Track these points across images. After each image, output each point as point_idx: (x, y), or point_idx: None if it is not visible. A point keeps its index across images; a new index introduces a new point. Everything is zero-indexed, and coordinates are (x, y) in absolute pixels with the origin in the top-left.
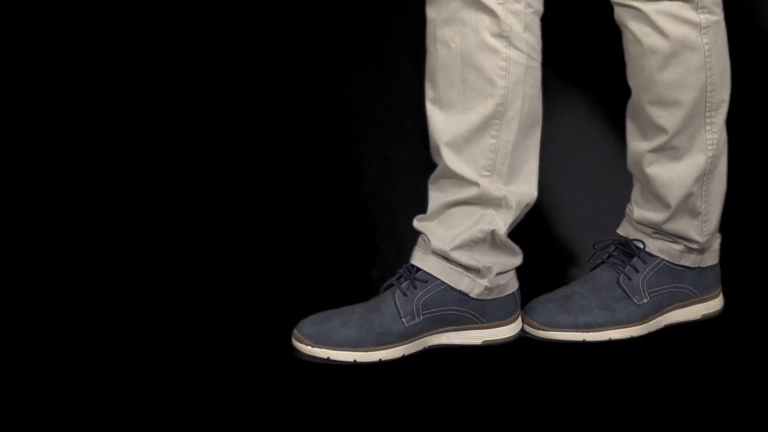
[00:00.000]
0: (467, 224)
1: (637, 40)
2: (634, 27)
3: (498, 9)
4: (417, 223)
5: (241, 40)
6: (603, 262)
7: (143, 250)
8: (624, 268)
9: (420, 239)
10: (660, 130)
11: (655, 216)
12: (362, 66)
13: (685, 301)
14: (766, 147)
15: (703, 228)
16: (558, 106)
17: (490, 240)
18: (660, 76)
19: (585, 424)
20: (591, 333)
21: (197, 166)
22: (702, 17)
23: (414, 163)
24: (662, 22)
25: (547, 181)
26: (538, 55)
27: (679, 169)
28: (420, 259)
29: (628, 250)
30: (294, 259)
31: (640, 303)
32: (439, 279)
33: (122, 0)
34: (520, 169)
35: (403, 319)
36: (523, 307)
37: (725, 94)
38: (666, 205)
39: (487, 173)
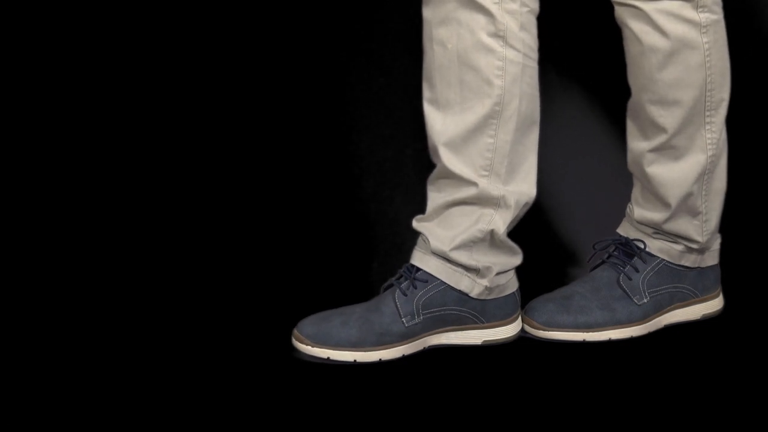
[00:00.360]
0: (466, 224)
1: (638, 39)
2: (634, 26)
3: (494, 9)
4: (416, 224)
5: (241, 40)
6: (603, 262)
7: (144, 251)
8: (624, 268)
9: (420, 239)
10: (660, 129)
11: (656, 216)
12: (362, 66)
13: (685, 301)
14: (766, 147)
15: (704, 227)
16: (558, 105)
17: (490, 239)
18: (660, 75)
19: (585, 424)
20: (591, 333)
21: (197, 166)
22: (702, 16)
23: (414, 163)
24: (662, 21)
25: (547, 181)
26: (534, 54)
27: (680, 168)
28: (420, 259)
29: (629, 250)
30: (294, 259)
31: (640, 303)
32: (439, 279)
33: (122, 0)
34: (519, 168)
35: (403, 319)
36: (523, 307)
37: (725, 93)
38: (666, 204)
39: (486, 173)
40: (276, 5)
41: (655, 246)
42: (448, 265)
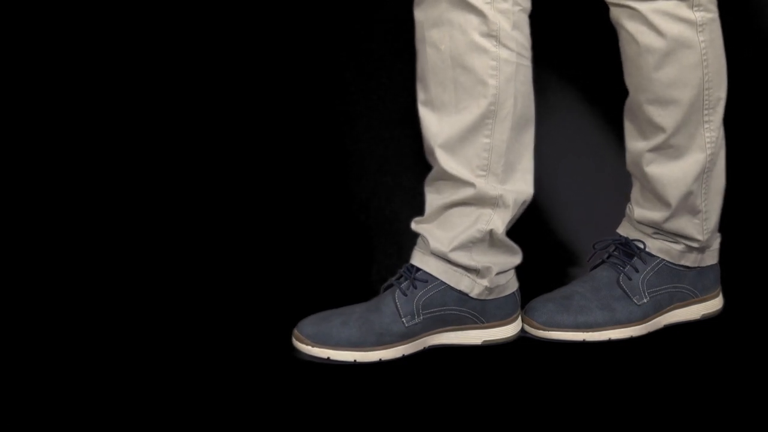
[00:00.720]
0: (465, 225)
1: (634, 40)
2: (630, 26)
3: (485, 8)
4: (415, 226)
5: (240, 41)
6: (603, 261)
7: (144, 251)
8: (624, 268)
9: (419, 239)
10: (658, 129)
11: (656, 215)
12: (362, 66)
13: (685, 300)
14: (766, 146)
15: (704, 226)
16: (558, 105)
17: (489, 239)
18: (657, 74)
19: (585, 424)
20: (591, 333)
21: (197, 166)
22: (698, 15)
23: (414, 162)
24: (658, 20)
25: (547, 180)
26: (528, 53)
27: (679, 167)
28: (420, 259)
29: (629, 250)
30: (294, 259)
31: (640, 303)
32: (439, 279)
33: (122, 0)
34: (516, 167)
35: (403, 319)
36: (523, 307)
37: (722, 92)
38: (666, 204)
39: (483, 173)
40: (276, 5)
41: (655, 246)
42: (448, 265)
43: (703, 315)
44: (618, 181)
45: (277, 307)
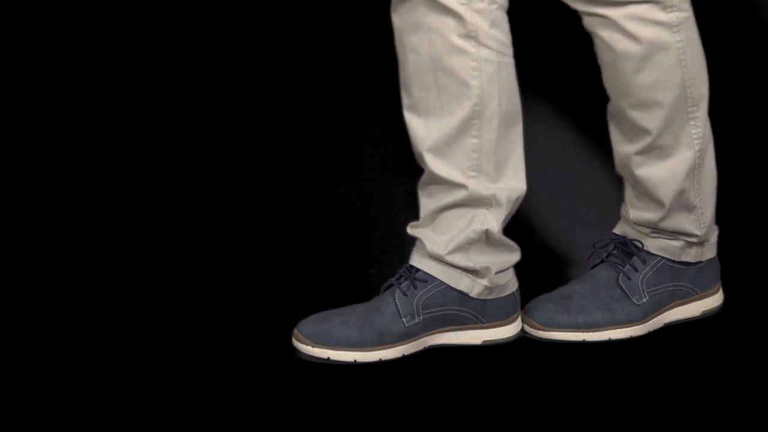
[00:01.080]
0: (460, 226)
1: (609, 47)
2: (604, 34)
3: (461, 10)
4: (411, 230)
5: (240, 40)
6: (602, 261)
7: (144, 251)
8: (623, 267)
9: (417, 240)
10: (644, 131)
11: (651, 215)
12: (362, 66)
13: (685, 298)
14: (766, 146)
15: (701, 220)
16: (556, 104)
17: (485, 239)
18: (637, 79)
19: (585, 424)
20: (591, 333)
21: (197, 166)
22: (672, 16)
23: (414, 162)
24: (632, 26)
25: (546, 179)
26: (509, 50)
27: (668, 167)
28: (419, 260)
29: (628, 249)
30: (294, 259)
31: (639, 303)
32: (438, 279)
33: (122, 0)
34: (506, 164)
35: (403, 319)
36: (522, 306)
37: (704, 88)
38: (660, 204)
39: (474, 174)
40: (276, 5)
41: (654, 245)
42: (447, 266)
43: (703, 312)
44: (617, 179)
45: (277, 307)
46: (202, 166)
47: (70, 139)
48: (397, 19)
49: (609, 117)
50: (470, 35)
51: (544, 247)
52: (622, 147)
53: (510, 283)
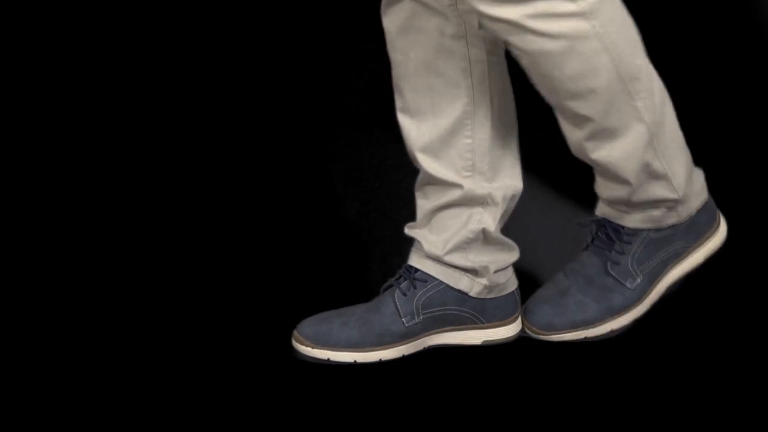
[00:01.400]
0: (457, 226)
1: (525, 52)
2: (516, 40)
3: (449, 11)
4: (408, 231)
5: (240, 40)
6: (588, 246)
7: (143, 252)
8: (610, 253)
9: (415, 240)
10: (586, 119)
11: (621, 193)
12: (362, 66)
13: (681, 256)
14: (766, 145)
15: (674, 183)
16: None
17: (483, 238)
18: (562, 73)
19: (585, 424)
20: (591, 329)
21: (197, 167)
22: (581, 4)
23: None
24: (540, 25)
25: (546, 179)
26: (500, 49)
27: (623, 146)
28: (417, 260)
29: (610, 232)
30: (294, 260)
31: (633, 286)
32: (438, 279)
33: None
34: (501, 163)
35: (402, 319)
36: (522, 304)
37: (639, 59)
38: (625, 181)
39: (468, 173)
40: (276, 5)
41: (636, 219)
42: (446, 266)
43: (706, 258)
44: None
45: (277, 308)
46: (202, 166)
47: (69, 138)
48: (387, 21)
49: (553, 108)
50: (459, 35)
51: (544, 246)
52: (571, 134)
53: (509, 282)
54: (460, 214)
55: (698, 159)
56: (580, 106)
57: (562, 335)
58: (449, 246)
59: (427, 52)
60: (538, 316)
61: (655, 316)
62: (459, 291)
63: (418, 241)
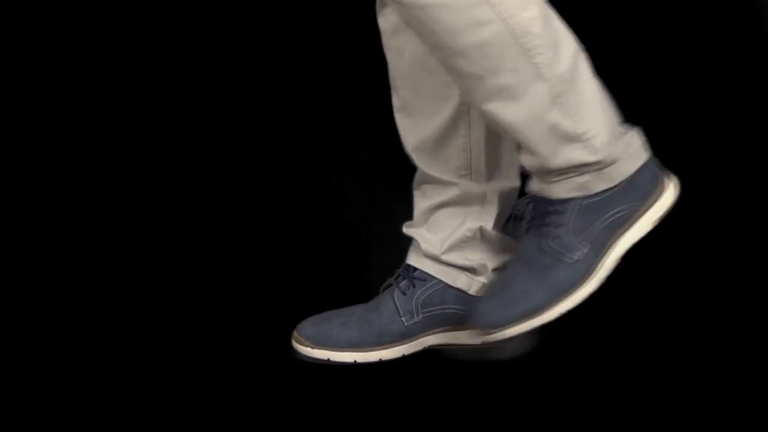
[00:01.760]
0: (454, 225)
1: (399, 3)
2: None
3: None
4: (406, 230)
5: (240, 40)
6: (529, 228)
7: (143, 253)
8: (547, 228)
9: (413, 239)
10: (476, 78)
11: (534, 161)
12: (362, 66)
13: (628, 221)
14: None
15: (593, 143)
16: None
17: (480, 237)
18: (440, 27)
19: (585, 424)
20: (543, 315)
21: (196, 168)
22: None
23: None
24: None
25: None
26: None
27: (523, 107)
28: (416, 259)
29: (541, 206)
30: (293, 260)
31: (576, 258)
32: (436, 278)
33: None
34: (497, 161)
35: (402, 318)
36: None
37: (531, 11)
38: (535, 146)
39: (465, 172)
40: (276, 5)
41: (563, 188)
42: (444, 265)
43: (653, 223)
44: None
45: (276, 308)
46: (201, 166)
47: (67, 138)
48: (382, 21)
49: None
50: None
51: None
52: (470, 97)
53: None
54: (457, 212)
55: (698, 159)
56: (464, 64)
57: (512, 329)
58: (447, 245)
59: (421, 51)
60: (483, 316)
61: (651, 314)
62: (458, 289)
63: (416, 240)
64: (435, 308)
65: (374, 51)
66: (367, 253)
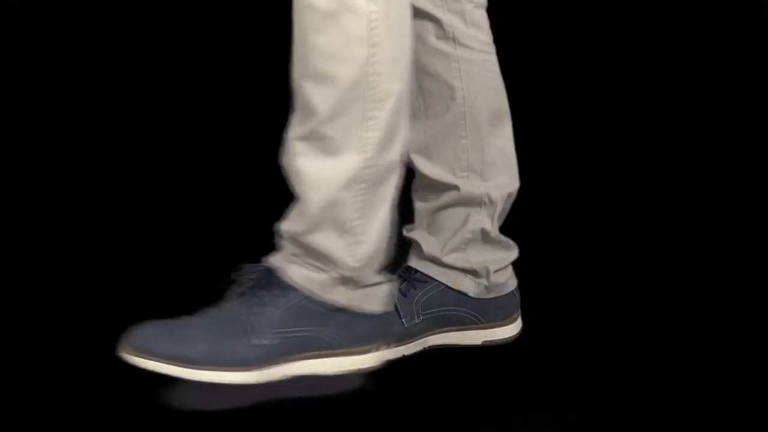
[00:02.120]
0: (455, 227)
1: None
2: None
3: (438, 12)
4: (406, 233)
5: (240, 40)
6: (244, 293)
7: (142, 252)
8: (256, 299)
9: (415, 241)
10: (311, 111)
11: (296, 225)
12: None
13: (322, 349)
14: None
15: (356, 250)
16: (549, 100)
17: (481, 238)
18: (315, 39)
19: (585, 424)
20: (184, 369)
21: (195, 167)
22: None
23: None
24: None
25: (544, 177)
26: (490, 48)
27: (329, 167)
28: (416, 261)
29: (270, 278)
30: None
31: (256, 344)
32: (437, 280)
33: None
34: (497, 162)
35: (402, 320)
36: (524, 304)
37: (394, 86)
38: (306, 210)
39: (464, 174)
40: (276, 5)
41: (299, 272)
42: (445, 267)
43: (337, 372)
44: (615, 173)
45: None
46: (200, 166)
47: (66, 138)
48: None
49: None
50: (448, 36)
51: (543, 246)
52: (289, 130)
53: (509, 282)
54: (458, 214)
55: (698, 159)
56: (313, 92)
57: (154, 364)
58: (448, 247)
59: (418, 53)
60: (141, 336)
61: (651, 314)
62: (459, 292)
63: (417, 242)
64: (435, 310)
65: None
66: None
